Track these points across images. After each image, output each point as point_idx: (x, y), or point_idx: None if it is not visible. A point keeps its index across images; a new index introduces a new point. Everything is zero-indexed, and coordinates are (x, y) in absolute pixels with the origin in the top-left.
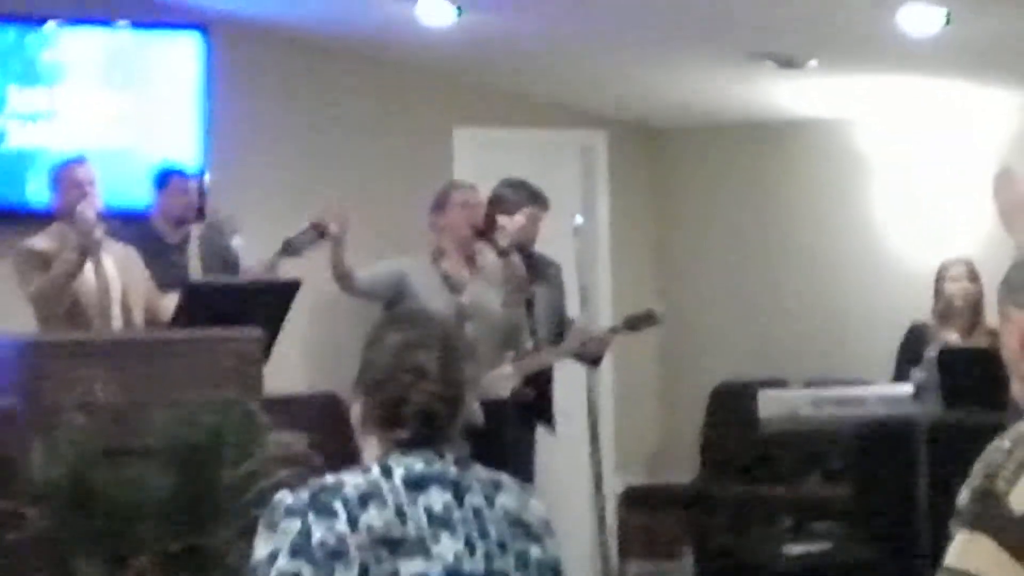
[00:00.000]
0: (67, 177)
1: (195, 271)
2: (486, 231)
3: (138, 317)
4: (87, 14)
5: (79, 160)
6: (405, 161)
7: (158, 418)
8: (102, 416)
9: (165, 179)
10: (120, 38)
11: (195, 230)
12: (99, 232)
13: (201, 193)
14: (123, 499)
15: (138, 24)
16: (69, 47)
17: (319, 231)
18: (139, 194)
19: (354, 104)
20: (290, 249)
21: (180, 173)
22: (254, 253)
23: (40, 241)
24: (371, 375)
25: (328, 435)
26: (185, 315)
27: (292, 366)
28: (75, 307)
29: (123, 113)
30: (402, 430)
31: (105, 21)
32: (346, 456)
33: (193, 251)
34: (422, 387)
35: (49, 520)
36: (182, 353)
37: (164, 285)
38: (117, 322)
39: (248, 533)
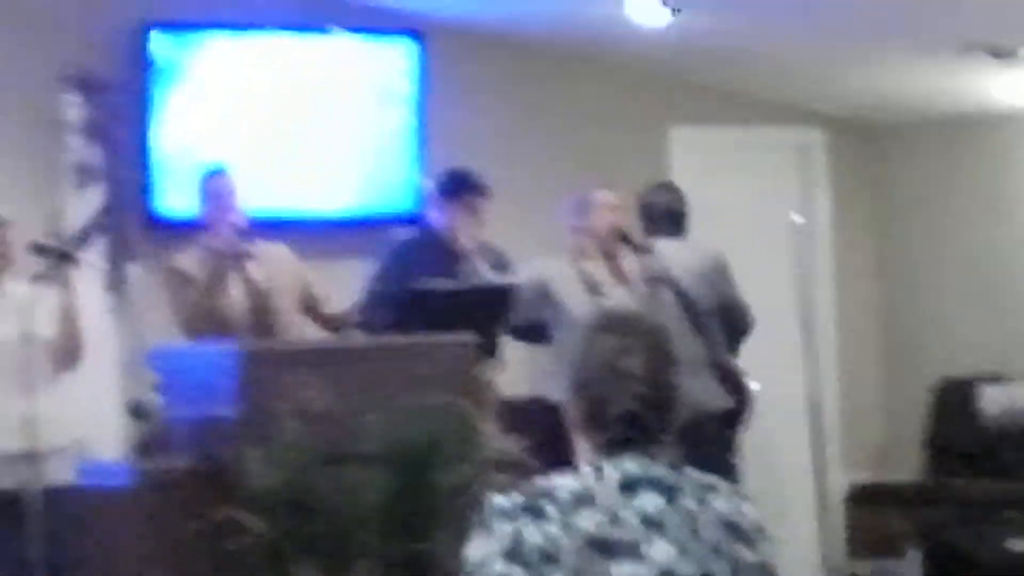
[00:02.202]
0: (208, 189)
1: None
2: (626, 234)
3: (290, 319)
4: (303, 21)
5: (219, 171)
6: (621, 162)
7: (375, 424)
8: (319, 423)
9: (456, 190)
10: (336, 45)
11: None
12: (240, 246)
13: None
14: (341, 505)
15: (354, 30)
16: (285, 54)
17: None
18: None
19: (569, 106)
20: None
21: (474, 187)
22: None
23: (183, 257)
24: (582, 376)
25: (544, 439)
26: (405, 321)
27: (512, 370)
28: (222, 323)
29: (336, 121)
30: (609, 432)
31: (320, 28)
32: (562, 460)
33: (476, 261)
34: (628, 390)
35: (268, 527)
36: (398, 359)
37: None
38: (267, 331)
39: (466, 537)
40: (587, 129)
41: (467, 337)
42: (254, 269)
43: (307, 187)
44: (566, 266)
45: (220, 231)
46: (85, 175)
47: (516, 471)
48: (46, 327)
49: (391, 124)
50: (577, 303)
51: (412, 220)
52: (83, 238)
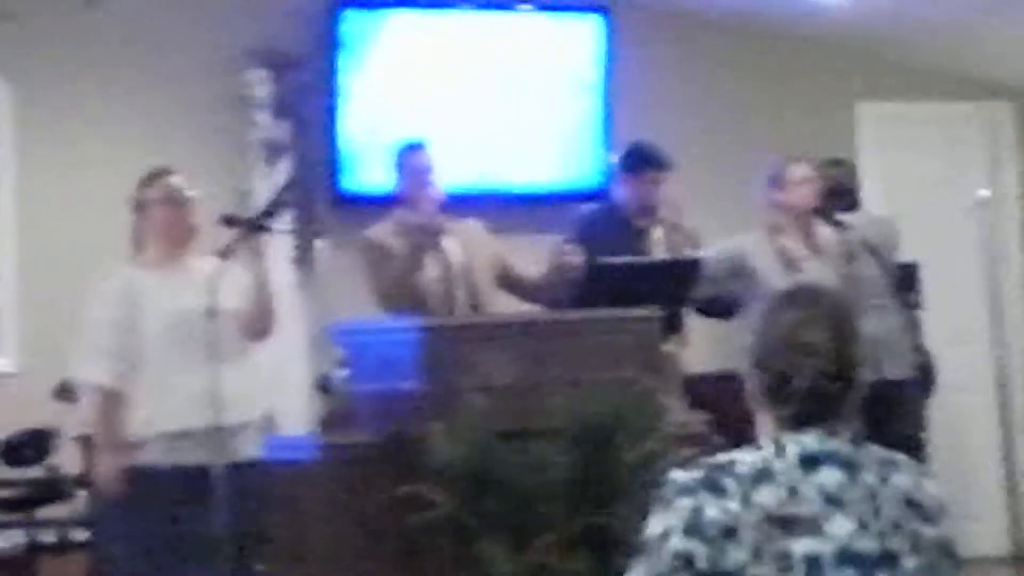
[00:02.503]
0: (407, 163)
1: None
2: (822, 207)
3: (486, 295)
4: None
5: (418, 145)
6: (807, 138)
7: (558, 399)
8: (503, 397)
9: (637, 165)
10: (525, 21)
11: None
12: (439, 221)
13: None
14: (524, 480)
15: (542, 7)
16: (474, 32)
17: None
18: (530, 175)
19: (755, 82)
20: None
21: (655, 162)
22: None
23: (380, 231)
24: (762, 350)
25: (728, 413)
26: (588, 295)
27: (696, 345)
28: (418, 299)
29: (525, 96)
30: (790, 406)
31: (510, 5)
32: (745, 435)
33: (658, 237)
34: (810, 364)
35: (452, 502)
36: (581, 334)
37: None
38: (462, 306)
39: (649, 512)
40: (773, 105)
41: (651, 311)
42: (450, 245)
43: (495, 162)
44: (763, 240)
45: (419, 205)
46: (273, 151)
47: (700, 446)
48: (233, 300)
49: (579, 100)
50: (774, 277)
51: (600, 195)
52: (269, 213)
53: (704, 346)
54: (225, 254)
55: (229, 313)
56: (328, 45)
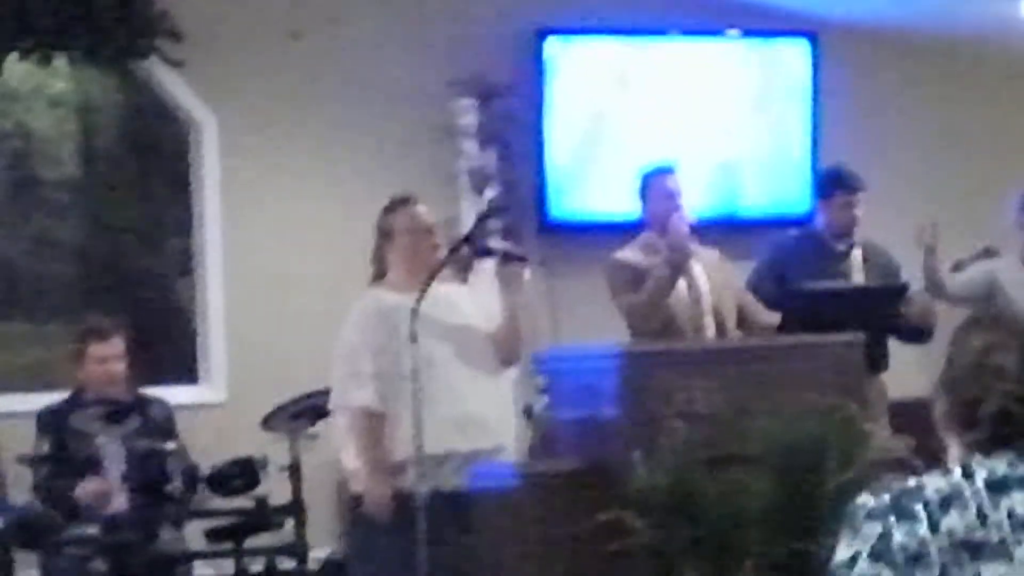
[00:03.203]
0: (656, 187)
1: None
2: None
3: (730, 324)
4: (697, 25)
5: (668, 170)
6: (1011, 161)
7: (759, 425)
8: (703, 424)
9: (830, 189)
10: (731, 47)
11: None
12: (691, 245)
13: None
14: (726, 507)
15: (749, 33)
16: (681, 58)
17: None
18: (740, 201)
19: (960, 104)
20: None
21: (847, 185)
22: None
23: (630, 253)
24: (951, 374)
25: (931, 438)
26: (792, 320)
27: (908, 370)
28: (668, 322)
29: (734, 121)
30: (980, 431)
31: (717, 31)
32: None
33: (856, 260)
34: (1000, 388)
35: (653, 529)
36: (782, 359)
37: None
38: (710, 332)
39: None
40: (978, 127)
41: (854, 336)
42: (698, 270)
43: (705, 188)
44: (1014, 263)
45: (668, 229)
46: (480, 180)
47: (904, 471)
48: (484, 324)
49: (787, 124)
50: (1022, 299)
51: (806, 220)
52: (471, 238)
53: (909, 370)
54: (475, 279)
55: (481, 336)
56: (533, 72)
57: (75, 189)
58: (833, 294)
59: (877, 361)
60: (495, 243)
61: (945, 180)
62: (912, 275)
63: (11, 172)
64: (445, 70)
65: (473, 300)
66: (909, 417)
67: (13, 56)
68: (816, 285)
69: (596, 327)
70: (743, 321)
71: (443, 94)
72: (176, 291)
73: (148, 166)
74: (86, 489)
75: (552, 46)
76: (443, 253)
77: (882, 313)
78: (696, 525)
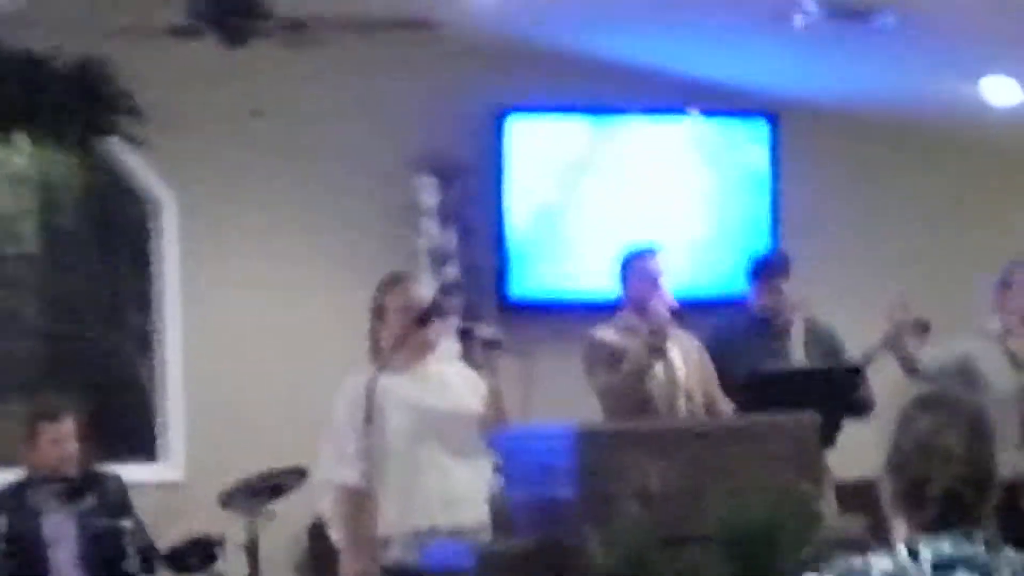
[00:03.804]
0: (638, 268)
1: (799, 358)
2: None
3: (698, 407)
4: (658, 105)
5: (650, 251)
6: (980, 243)
7: (714, 506)
8: (658, 504)
9: (757, 274)
10: (691, 127)
11: (799, 315)
12: (669, 327)
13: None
14: None
15: (709, 113)
16: (641, 137)
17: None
18: (720, 281)
19: (921, 186)
20: (887, 343)
21: (773, 269)
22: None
23: (608, 333)
24: (898, 456)
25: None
26: (751, 403)
27: (854, 450)
28: (644, 403)
29: (692, 198)
30: (927, 511)
31: (678, 110)
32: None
33: (796, 338)
34: (947, 469)
35: None
36: (738, 440)
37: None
38: (682, 413)
39: None
40: (941, 209)
41: (809, 417)
42: (674, 353)
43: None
44: (990, 345)
45: (651, 311)
46: (439, 259)
47: (856, 551)
48: (471, 403)
49: (744, 203)
50: (1002, 380)
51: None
52: (425, 318)
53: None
54: (459, 362)
55: (467, 417)
56: (494, 152)
57: (35, 266)
58: (791, 376)
59: (827, 440)
60: (475, 327)
61: (908, 260)
62: (857, 353)
63: None
64: (405, 148)
65: (466, 380)
66: (856, 497)
67: None
68: (773, 368)
69: (555, 405)
70: (709, 408)
71: (404, 172)
72: (136, 368)
73: (108, 243)
74: None
75: (513, 125)
76: (437, 334)
77: (838, 394)
78: None
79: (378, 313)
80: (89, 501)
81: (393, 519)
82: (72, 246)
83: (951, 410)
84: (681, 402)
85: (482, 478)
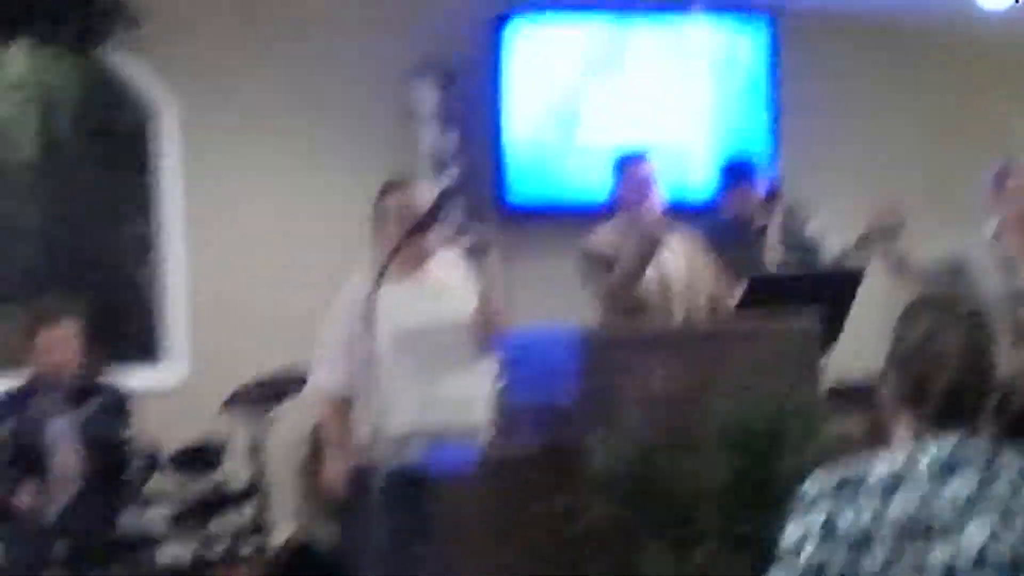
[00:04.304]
0: (629, 172)
1: (773, 260)
2: None
3: (700, 309)
4: (661, 4)
5: (641, 155)
6: (971, 145)
7: (718, 407)
8: (661, 406)
9: (727, 177)
10: (690, 26)
11: (774, 218)
12: (662, 231)
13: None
14: (685, 488)
15: (710, 11)
16: (640, 36)
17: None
18: (708, 185)
19: (919, 89)
20: (863, 244)
21: (741, 173)
22: (833, 237)
23: (602, 239)
24: (899, 353)
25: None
26: (749, 307)
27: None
28: (638, 305)
29: (691, 103)
30: (930, 405)
31: (681, 10)
32: None
33: (773, 239)
34: (946, 368)
35: (611, 511)
36: (740, 342)
37: (742, 275)
38: (679, 316)
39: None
40: (936, 112)
41: (811, 320)
42: (668, 255)
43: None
44: (987, 244)
45: (643, 214)
46: (439, 163)
47: (856, 453)
48: (465, 310)
49: (743, 108)
50: (991, 282)
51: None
52: (426, 221)
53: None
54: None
55: (461, 322)
56: (494, 56)
57: (34, 173)
58: (790, 280)
59: (827, 343)
60: (461, 233)
61: (910, 163)
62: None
63: None
64: (405, 52)
65: (463, 286)
66: (850, 399)
67: None
68: (771, 273)
69: (557, 310)
70: (714, 308)
71: (403, 76)
72: (137, 273)
73: (108, 149)
74: (22, 500)
75: (513, 27)
76: (435, 240)
77: (841, 297)
78: (654, 507)
79: (379, 218)
80: (91, 407)
81: (381, 424)
82: (71, 152)
83: (950, 312)
84: (677, 305)
85: (477, 384)
